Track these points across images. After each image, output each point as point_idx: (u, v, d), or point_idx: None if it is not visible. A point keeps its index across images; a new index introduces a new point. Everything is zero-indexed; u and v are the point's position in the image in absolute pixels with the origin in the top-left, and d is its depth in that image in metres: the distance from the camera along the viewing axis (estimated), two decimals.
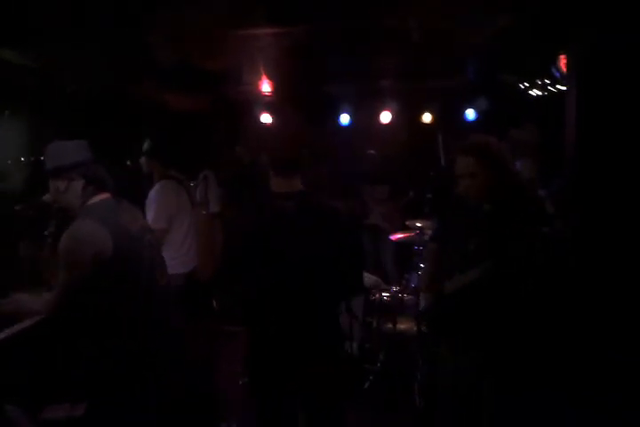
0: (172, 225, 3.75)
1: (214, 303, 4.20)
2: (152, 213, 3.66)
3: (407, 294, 4.16)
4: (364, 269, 2.49)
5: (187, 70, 5.37)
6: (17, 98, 5.26)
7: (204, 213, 5.22)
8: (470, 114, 6.77)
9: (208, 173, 5.70)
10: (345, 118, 7.06)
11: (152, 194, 3.78)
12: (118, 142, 4.67)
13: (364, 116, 7.03)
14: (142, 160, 3.95)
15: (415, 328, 3.93)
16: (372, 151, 6.21)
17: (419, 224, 4.40)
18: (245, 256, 2.34)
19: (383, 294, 4.21)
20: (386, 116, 6.95)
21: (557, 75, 4.41)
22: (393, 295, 4.20)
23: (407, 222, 4.63)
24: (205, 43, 4.82)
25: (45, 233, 3.14)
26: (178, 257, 3.73)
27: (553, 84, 4.98)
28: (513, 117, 5.28)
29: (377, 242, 6.14)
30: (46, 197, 2.55)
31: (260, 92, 6.58)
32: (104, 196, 2.33)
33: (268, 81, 6.28)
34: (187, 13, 4.00)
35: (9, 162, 5.30)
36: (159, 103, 6.23)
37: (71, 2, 3.63)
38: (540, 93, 5.29)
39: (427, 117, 6.94)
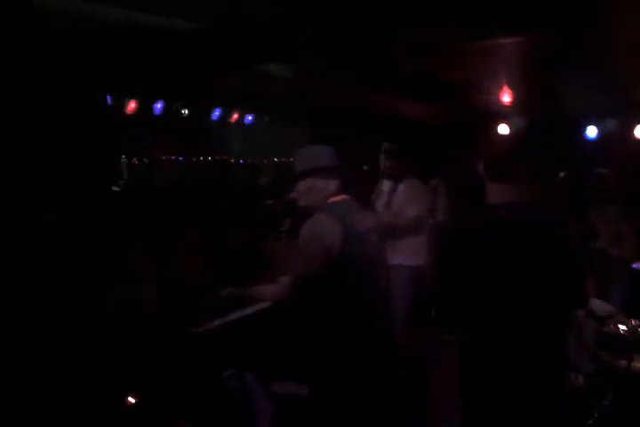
0: None
1: (432, 311, 4.23)
2: (415, 206, 4.14)
3: None
4: (584, 282, 2.29)
5: (429, 80, 5.49)
6: (275, 105, 5.94)
7: (431, 220, 5.31)
8: None
9: (439, 181, 5.76)
10: (592, 131, 6.53)
11: (413, 189, 4.24)
12: (359, 149, 4.98)
13: (614, 129, 6.42)
14: (381, 158, 4.23)
15: None
16: (603, 170, 5.60)
17: None
18: (459, 266, 2.28)
19: (620, 327, 3.80)
20: None
21: None
22: (632, 330, 3.77)
23: None
24: (447, 54, 4.88)
25: (282, 229, 3.48)
26: (405, 250, 3.99)
27: None
28: None
29: (605, 268, 5.53)
30: (293, 195, 2.82)
31: (500, 102, 6.43)
32: (344, 196, 2.54)
33: (508, 91, 6.10)
34: (429, 27, 4.10)
35: (265, 161, 6.04)
36: (397, 112, 6.48)
37: (319, 22, 3.97)
38: None
39: None
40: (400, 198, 4.21)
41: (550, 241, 2.21)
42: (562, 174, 5.94)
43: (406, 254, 4.08)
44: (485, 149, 2.36)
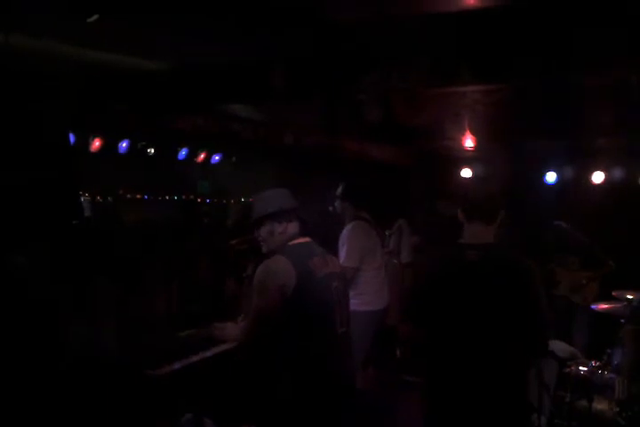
0: (363, 264, 3.93)
1: (397, 351, 4.21)
2: (344, 252, 3.90)
3: (608, 372, 3.74)
4: (549, 330, 2.30)
5: (391, 125, 5.63)
6: (242, 146, 6.01)
7: (395, 261, 5.34)
8: None
9: (403, 222, 5.84)
10: (551, 176, 6.71)
11: (344, 234, 4.03)
12: (324, 190, 5.03)
13: (574, 175, 6.62)
14: (336, 202, 4.22)
15: (615, 411, 3.50)
16: (560, 222, 5.72)
17: (629, 296, 3.97)
18: (425, 304, 2.32)
19: (580, 368, 3.84)
20: (598, 177, 6.46)
21: None
22: (591, 371, 3.80)
23: (615, 293, 4.21)
24: (410, 101, 5.03)
25: (244, 275, 3.47)
26: (365, 295, 3.89)
27: None
28: None
29: (566, 314, 5.58)
30: (256, 234, 2.81)
31: (462, 146, 6.62)
32: (303, 240, 2.56)
33: (470, 136, 6.29)
34: (394, 74, 4.22)
35: (232, 201, 6.04)
36: (363, 156, 6.61)
37: (292, 68, 4.08)
38: None
39: None
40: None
41: (518, 285, 2.22)
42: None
43: (362, 299, 3.99)
44: (464, 190, 2.41)
